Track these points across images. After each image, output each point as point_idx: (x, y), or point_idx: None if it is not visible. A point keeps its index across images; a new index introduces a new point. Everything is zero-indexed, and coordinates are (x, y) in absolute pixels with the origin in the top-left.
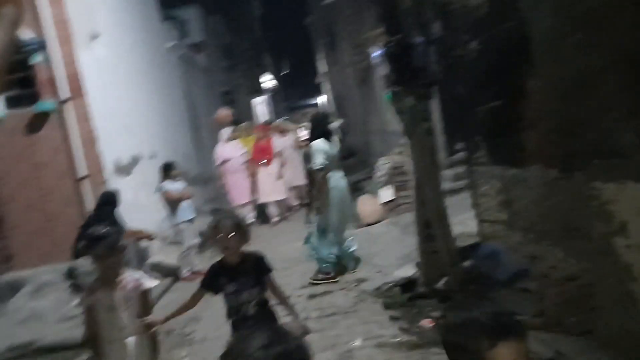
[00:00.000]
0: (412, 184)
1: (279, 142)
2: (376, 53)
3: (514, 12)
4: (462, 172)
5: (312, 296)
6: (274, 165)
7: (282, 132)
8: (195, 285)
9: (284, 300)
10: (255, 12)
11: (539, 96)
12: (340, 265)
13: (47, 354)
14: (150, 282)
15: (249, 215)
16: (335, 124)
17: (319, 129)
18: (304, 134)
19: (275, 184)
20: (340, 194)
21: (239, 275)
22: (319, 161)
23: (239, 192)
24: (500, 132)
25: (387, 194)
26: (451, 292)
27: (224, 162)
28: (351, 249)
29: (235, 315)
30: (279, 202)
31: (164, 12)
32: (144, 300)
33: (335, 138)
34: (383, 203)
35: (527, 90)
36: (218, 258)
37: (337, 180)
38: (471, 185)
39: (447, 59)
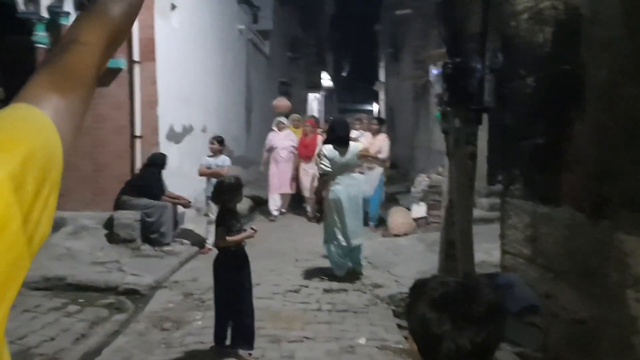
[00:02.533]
0: (444, 203)
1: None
2: (434, 71)
3: (574, 56)
4: (498, 203)
5: (327, 290)
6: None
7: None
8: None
9: None
10: (327, 11)
11: (582, 140)
12: (348, 269)
13: (76, 291)
14: None
15: (280, 206)
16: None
17: (333, 135)
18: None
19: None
20: (343, 203)
21: (239, 218)
22: (322, 166)
23: (278, 181)
24: (539, 169)
25: (420, 209)
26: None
27: (272, 149)
28: (357, 252)
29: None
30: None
31: None
32: None
33: (354, 146)
34: (414, 218)
35: (573, 133)
36: None
37: (345, 188)
38: (502, 216)
39: (501, 89)
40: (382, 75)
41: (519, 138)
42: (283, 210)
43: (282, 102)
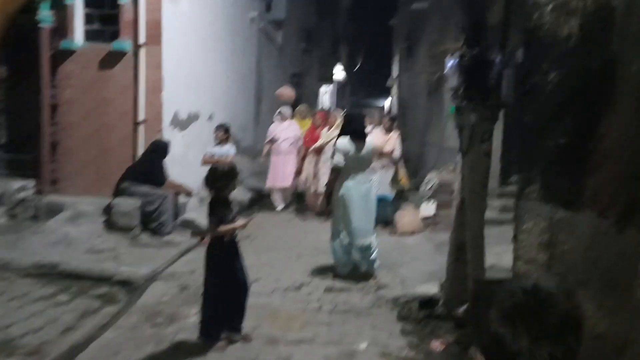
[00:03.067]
0: (455, 203)
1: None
2: (450, 63)
3: (604, 50)
4: (511, 204)
5: (329, 289)
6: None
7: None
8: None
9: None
10: (343, 3)
11: (610, 141)
12: (355, 269)
13: (68, 279)
14: None
15: (281, 200)
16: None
17: (349, 128)
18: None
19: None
20: (352, 200)
21: (233, 207)
22: (335, 160)
23: (277, 174)
24: (560, 171)
25: (429, 208)
26: (469, 320)
27: (273, 140)
28: (368, 252)
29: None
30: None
31: None
32: None
33: (369, 142)
34: (423, 217)
35: (599, 133)
36: None
37: (355, 185)
38: (515, 219)
39: (522, 84)
40: (395, 71)
41: (539, 137)
42: (283, 204)
43: (286, 91)
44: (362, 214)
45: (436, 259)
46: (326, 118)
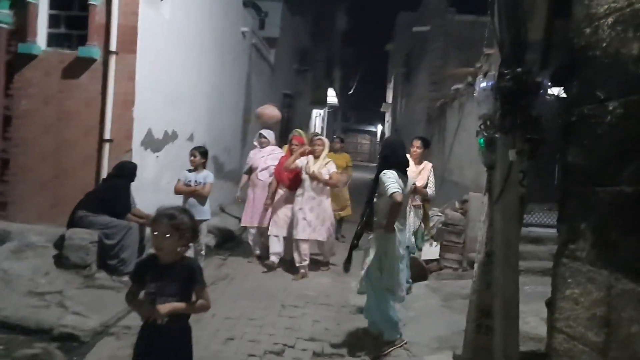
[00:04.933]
0: (479, 257)
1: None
2: (482, 85)
3: None
4: (529, 249)
5: (317, 355)
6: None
7: (315, 154)
8: None
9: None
10: (339, 26)
11: None
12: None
13: None
14: None
15: (259, 243)
16: None
17: (395, 159)
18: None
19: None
20: (398, 246)
21: (163, 278)
22: (395, 187)
23: (255, 211)
24: (623, 228)
25: (432, 251)
26: None
27: (251, 169)
28: (390, 313)
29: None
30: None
31: None
32: None
33: (410, 178)
34: (425, 260)
35: None
36: None
37: (401, 228)
38: (554, 279)
39: (569, 114)
40: (389, 96)
41: (591, 181)
42: (258, 250)
43: (267, 110)
44: (395, 265)
45: (446, 318)
46: (303, 143)
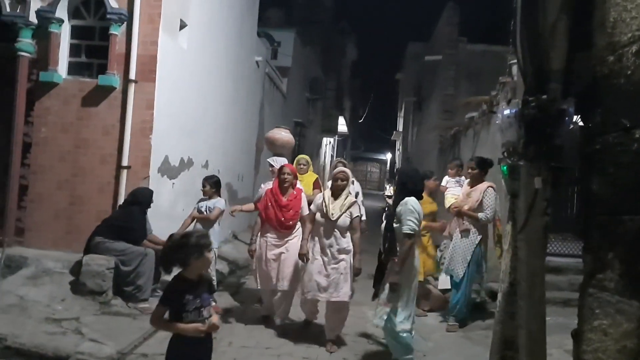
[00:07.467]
0: (502, 287)
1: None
2: (505, 112)
3: None
4: (562, 281)
5: None
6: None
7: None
8: None
9: None
10: (349, 55)
11: None
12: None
13: (15, 357)
14: None
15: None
16: None
17: (411, 186)
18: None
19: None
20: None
21: (200, 293)
22: (411, 224)
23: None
24: None
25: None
26: None
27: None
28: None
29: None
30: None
31: (261, 27)
32: None
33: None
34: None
35: None
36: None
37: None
38: (581, 310)
39: (592, 143)
40: (400, 124)
41: (617, 211)
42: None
43: (280, 135)
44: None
45: (466, 350)
46: (295, 172)
